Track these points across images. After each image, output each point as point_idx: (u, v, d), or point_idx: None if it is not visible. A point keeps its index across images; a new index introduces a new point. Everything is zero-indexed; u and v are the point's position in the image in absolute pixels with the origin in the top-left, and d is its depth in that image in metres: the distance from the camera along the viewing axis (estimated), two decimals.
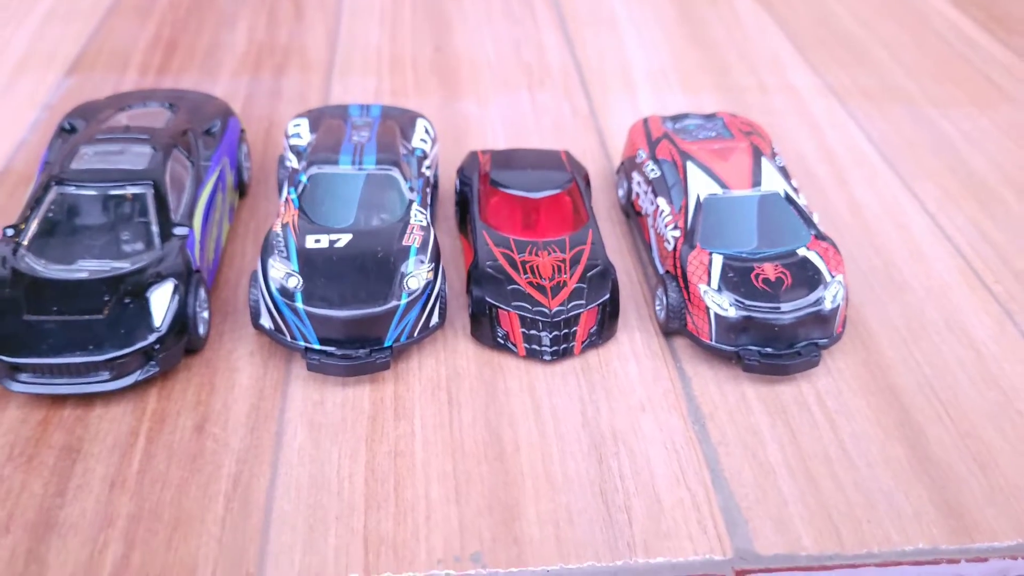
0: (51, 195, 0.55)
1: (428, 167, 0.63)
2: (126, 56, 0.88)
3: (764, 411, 0.53)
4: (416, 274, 0.54)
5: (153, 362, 0.52)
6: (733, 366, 0.56)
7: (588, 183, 0.66)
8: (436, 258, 0.55)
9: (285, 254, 0.54)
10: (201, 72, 0.86)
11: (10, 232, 0.55)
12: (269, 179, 0.72)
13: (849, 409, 0.54)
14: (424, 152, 0.63)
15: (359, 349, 0.53)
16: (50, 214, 0.55)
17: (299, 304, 0.52)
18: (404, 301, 0.53)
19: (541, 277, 0.56)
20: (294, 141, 0.64)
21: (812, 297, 0.54)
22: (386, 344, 0.53)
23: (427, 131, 0.66)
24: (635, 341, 0.58)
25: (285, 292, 0.52)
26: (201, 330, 0.55)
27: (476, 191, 0.62)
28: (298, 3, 1.00)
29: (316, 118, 0.66)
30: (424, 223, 0.57)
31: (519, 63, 0.90)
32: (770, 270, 0.55)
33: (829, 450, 0.51)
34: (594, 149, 0.77)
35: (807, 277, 0.55)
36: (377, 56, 0.91)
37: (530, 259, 0.57)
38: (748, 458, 0.51)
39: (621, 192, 0.68)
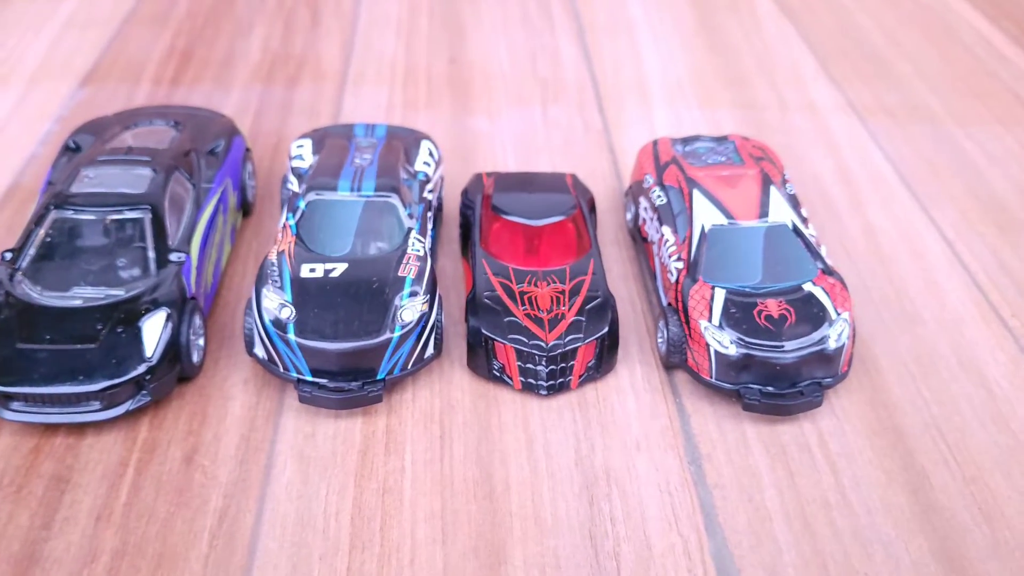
0: (49, 219, 0.55)
1: (431, 191, 0.62)
2: (140, 67, 0.88)
3: (763, 452, 0.52)
4: (411, 306, 0.53)
5: (145, 391, 0.51)
6: (734, 403, 0.54)
7: (593, 208, 0.65)
8: (432, 289, 0.55)
9: (279, 284, 0.53)
10: (214, 83, 0.86)
11: (8, 256, 0.55)
12: (275, 196, 0.71)
13: (851, 451, 0.52)
14: (427, 176, 0.63)
15: (352, 381, 0.52)
16: (48, 239, 0.55)
17: (291, 336, 0.52)
18: (398, 334, 0.52)
19: (539, 309, 0.55)
20: (296, 163, 0.63)
21: (816, 335, 0.53)
22: (379, 376, 0.52)
23: (431, 153, 0.65)
24: (635, 374, 0.57)
25: (278, 324, 0.52)
26: (195, 358, 0.54)
27: (478, 216, 0.61)
28: (315, 10, 1.00)
29: (320, 139, 0.66)
30: (421, 252, 0.56)
31: (534, 75, 0.89)
32: (773, 306, 0.54)
33: (828, 495, 0.50)
34: (605, 168, 0.76)
35: (812, 314, 0.54)
36: (391, 67, 0.90)
37: (529, 290, 0.56)
38: (744, 502, 0.49)
39: (628, 216, 0.67)
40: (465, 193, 0.64)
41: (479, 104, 0.84)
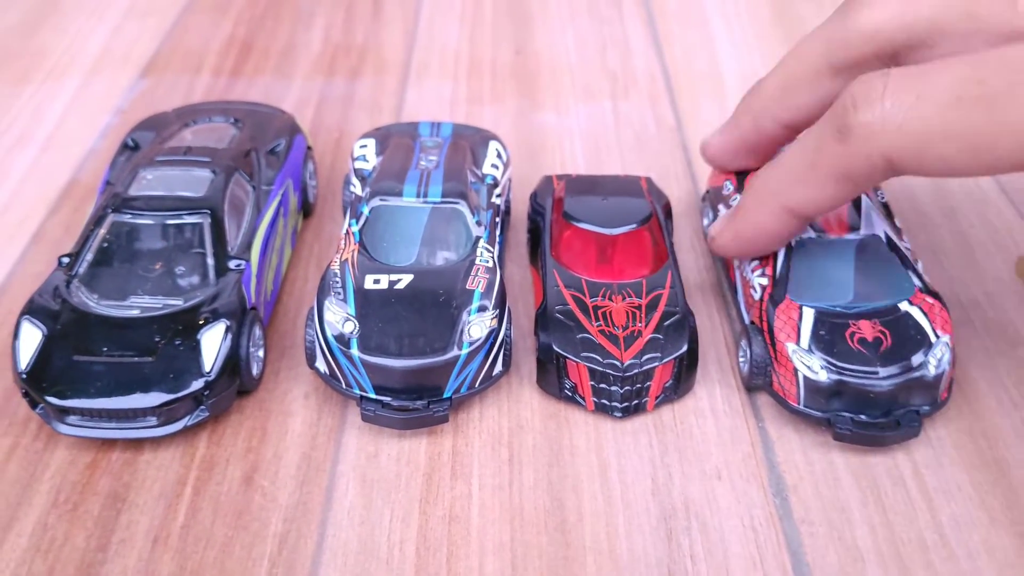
0: (106, 224, 0.54)
1: (499, 195, 0.59)
2: (200, 57, 0.86)
3: (854, 485, 0.49)
4: (479, 321, 0.50)
5: (203, 407, 0.49)
6: (823, 430, 0.51)
7: (669, 214, 0.61)
8: (501, 303, 0.52)
9: (342, 296, 0.51)
10: (275, 75, 0.84)
11: (65, 261, 0.53)
12: (336, 196, 0.69)
13: (949, 486, 0.48)
14: (495, 179, 0.60)
15: (417, 399, 0.50)
16: (105, 244, 0.53)
17: (355, 352, 0.49)
18: (465, 351, 0.49)
19: (614, 325, 0.52)
20: (359, 164, 0.61)
21: (914, 360, 0.49)
22: (445, 395, 0.50)
23: (499, 155, 0.62)
24: (714, 395, 0.54)
25: (341, 338, 0.50)
26: (255, 370, 0.52)
27: (548, 222, 0.58)
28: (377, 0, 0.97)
29: (383, 138, 0.63)
30: (490, 263, 0.53)
31: (603, 68, 0.85)
32: (867, 328, 0.50)
33: (925, 535, 0.46)
34: (678, 168, 0.72)
35: (909, 337, 0.50)
36: (455, 58, 0.87)
37: (603, 304, 0.53)
38: (834, 540, 0.46)
39: (706, 222, 0.64)
40: (534, 197, 0.61)
41: (546, 98, 0.81)
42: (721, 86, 0.82)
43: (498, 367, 0.52)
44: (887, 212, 0.58)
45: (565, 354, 0.51)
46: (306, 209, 0.66)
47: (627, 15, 0.94)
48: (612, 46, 0.89)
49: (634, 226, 0.57)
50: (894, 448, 0.50)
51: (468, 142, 0.63)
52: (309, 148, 0.67)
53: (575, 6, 0.96)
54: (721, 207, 0.60)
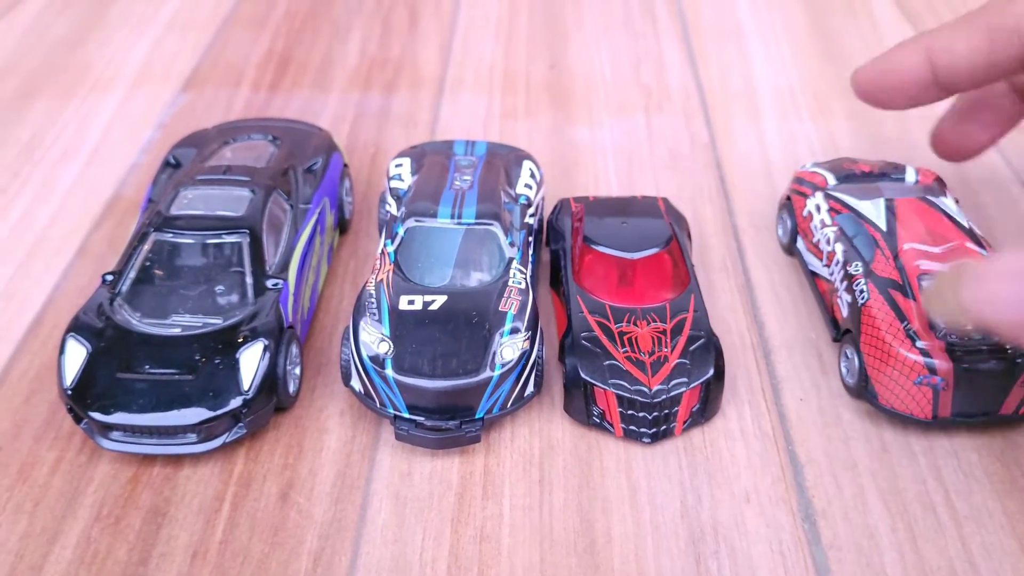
0: (149, 242, 0.55)
1: (532, 215, 0.60)
2: (239, 71, 0.88)
3: (884, 510, 0.49)
4: (511, 343, 0.51)
5: (241, 424, 0.51)
6: (851, 453, 0.51)
7: (689, 234, 0.61)
8: (534, 324, 0.53)
9: (377, 316, 0.52)
10: (312, 89, 0.85)
11: (109, 279, 0.55)
12: (372, 212, 0.70)
13: (980, 514, 0.48)
14: (528, 199, 0.60)
15: (449, 420, 0.50)
16: (147, 263, 0.55)
17: (389, 372, 0.50)
18: (498, 373, 0.50)
19: (640, 351, 0.52)
20: (395, 184, 0.62)
21: None
22: (477, 416, 0.51)
23: (533, 175, 0.63)
24: (744, 417, 0.54)
25: (376, 359, 0.50)
26: (292, 388, 0.54)
27: (569, 247, 0.59)
28: (413, 12, 0.98)
29: (419, 157, 0.64)
30: (523, 284, 0.54)
31: (637, 83, 0.86)
32: None
33: (956, 564, 0.46)
34: (712, 187, 0.72)
35: None
36: (489, 72, 0.88)
37: (628, 330, 0.53)
38: (862, 566, 0.46)
39: (780, 231, 0.66)
40: (552, 223, 0.62)
41: (580, 113, 0.82)
42: (756, 103, 0.83)
43: (530, 388, 0.52)
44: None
45: (593, 381, 0.51)
46: (342, 226, 0.67)
47: (662, 30, 0.94)
48: (646, 61, 0.89)
49: (656, 249, 0.57)
50: (925, 474, 0.50)
51: (502, 161, 0.63)
52: (346, 165, 0.68)
53: (610, 21, 0.96)
54: (788, 219, 0.63)
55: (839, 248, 0.57)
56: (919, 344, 0.50)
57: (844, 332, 0.55)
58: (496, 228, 0.56)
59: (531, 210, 0.60)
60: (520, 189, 0.61)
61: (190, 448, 0.50)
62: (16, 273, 0.64)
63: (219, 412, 0.49)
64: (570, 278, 0.57)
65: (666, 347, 0.52)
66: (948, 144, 0.62)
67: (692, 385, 0.51)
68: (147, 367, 0.50)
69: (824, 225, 0.59)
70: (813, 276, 0.61)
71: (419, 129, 0.79)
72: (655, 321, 0.54)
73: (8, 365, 0.57)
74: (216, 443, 0.50)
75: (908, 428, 0.53)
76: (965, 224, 0.57)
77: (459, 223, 0.56)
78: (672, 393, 0.51)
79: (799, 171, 0.65)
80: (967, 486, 0.50)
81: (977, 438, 0.52)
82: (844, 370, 0.55)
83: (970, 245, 0.54)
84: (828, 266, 0.58)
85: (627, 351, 0.52)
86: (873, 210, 0.58)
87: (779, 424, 0.54)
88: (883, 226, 0.56)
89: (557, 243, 0.60)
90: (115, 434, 0.50)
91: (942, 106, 0.77)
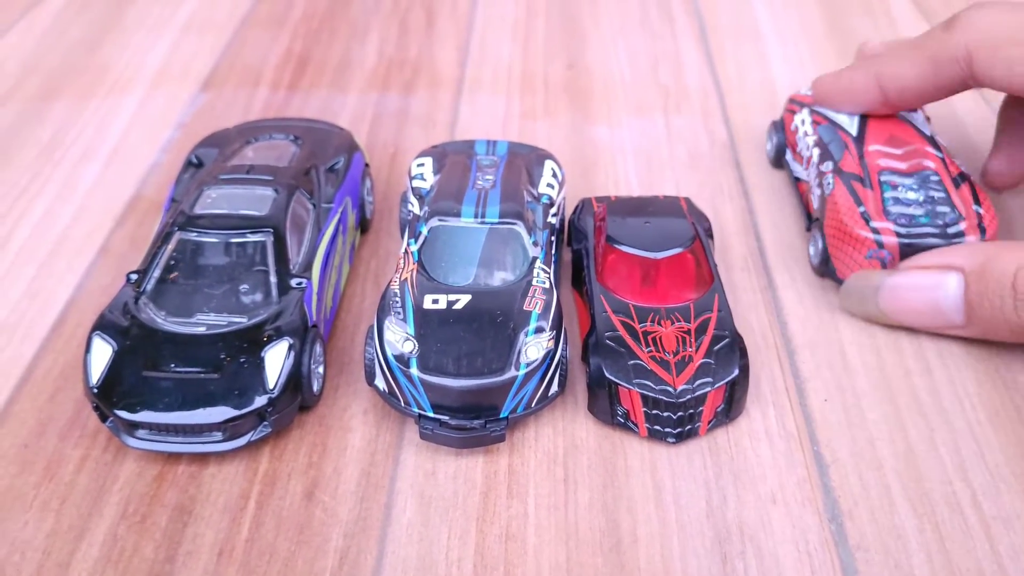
0: (173, 241, 0.55)
1: (554, 214, 0.60)
2: (258, 71, 0.88)
3: (910, 511, 0.49)
4: (536, 343, 0.51)
5: (266, 423, 0.51)
6: (877, 452, 0.51)
7: (711, 234, 0.61)
8: (558, 324, 0.53)
9: (402, 315, 0.52)
10: (331, 89, 0.85)
11: (134, 278, 0.55)
12: (393, 211, 0.70)
13: (1008, 515, 0.48)
14: (551, 199, 0.60)
15: (474, 419, 0.50)
16: (171, 262, 0.55)
17: (414, 371, 0.50)
18: (523, 372, 0.50)
19: (664, 351, 0.52)
20: (417, 183, 0.62)
21: None
22: (502, 415, 0.51)
23: (555, 174, 0.63)
24: (768, 417, 0.54)
25: (400, 358, 0.51)
26: (315, 387, 0.54)
27: (591, 247, 0.59)
28: (430, 12, 0.98)
29: (440, 156, 0.64)
30: (547, 284, 0.54)
31: (655, 83, 0.86)
32: None
33: (983, 565, 0.46)
34: (731, 186, 0.72)
35: None
36: (508, 72, 0.88)
37: (652, 329, 0.53)
38: (890, 567, 0.46)
39: (769, 146, 0.74)
40: (573, 223, 0.62)
41: (598, 113, 0.82)
42: (774, 102, 0.82)
43: (554, 387, 0.52)
44: None
45: (617, 381, 0.51)
46: (363, 225, 0.67)
47: (679, 30, 0.94)
48: (664, 61, 0.89)
49: (679, 249, 0.57)
50: (952, 474, 0.50)
51: (524, 161, 0.63)
52: (367, 165, 0.68)
53: (627, 20, 0.96)
54: (775, 136, 0.73)
55: (816, 152, 0.65)
56: (872, 224, 0.58)
57: (814, 221, 0.63)
58: (519, 227, 0.56)
59: (553, 209, 0.60)
60: (542, 188, 0.61)
61: (215, 447, 0.50)
62: (39, 272, 0.64)
63: (244, 411, 0.49)
64: (593, 278, 0.57)
65: (690, 347, 0.52)
66: (1003, 177, 0.67)
67: (717, 385, 0.51)
68: (172, 365, 0.50)
69: (806, 135, 0.67)
70: (796, 181, 0.69)
71: (438, 129, 0.79)
72: (679, 321, 0.54)
73: (32, 363, 0.58)
74: (241, 441, 0.50)
75: (934, 429, 0.53)
76: (928, 133, 0.64)
77: (482, 222, 0.56)
78: (697, 393, 0.51)
79: (794, 94, 0.73)
80: (995, 487, 0.50)
81: (1004, 439, 0.52)
82: (811, 252, 0.63)
83: (928, 149, 0.62)
84: (807, 169, 0.66)
85: (651, 351, 0.52)
86: (847, 120, 0.65)
87: (804, 424, 0.53)
88: (854, 132, 0.64)
89: (579, 243, 0.60)
90: (141, 432, 0.50)
91: (957, 111, 0.77)
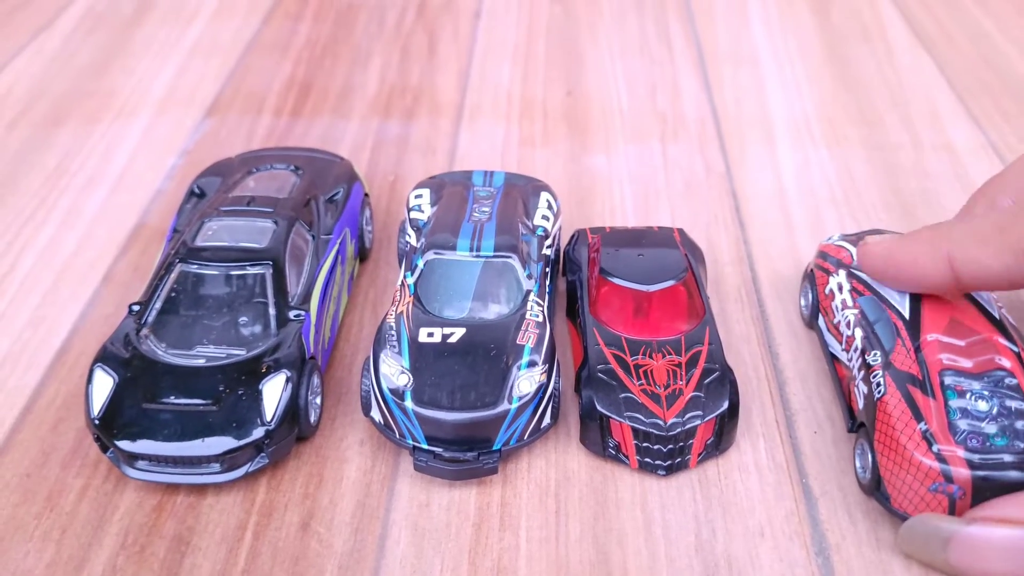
0: (174, 273, 0.56)
1: (549, 246, 0.61)
2: (262, 97, 0.89)
3: (897, 547, 0.49)
4: (528, 376, 0.52)
5: (263, 454, 0.52)
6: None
7: (704, 265, 0.62)
8: (551, 357, 0.53)
9: (397, 349, 0.53)
10: (333, 115, 0.86)
11: (135, 309, 0.56)
12: (391, 240, 0.71)
13: None
14: (546, 231, 0.61)
15: (467, 451, 0.51)
16: (172, 293, 0.56)
17: (408, 404, 0.51)
18: (515, 405, 0.51)
19: (655, 384, 0.53)
20: (415, 215, 0.63)
21: None
22: (495, 447, 0.52)
23: (550, 206, 0.64)
24: (758, 450, 0.55)
25: (396, 392, 0.51)
26: (312, 418, 0.55)
27: (585, 278, 0.60)
28: (432, 37, 0.99)
29: (438, 187, 0.65)
30: (540, 318, 0.55)
31: (653, 109, 0.87)
32: None
33: None
34: (727, 216, 0.73)
35: None
36: (507, 99, 0.89)
37: (644, 362, 0.54)
38: None
39: (803, 301, 0.63)
40: (568, 253, 0.63)
41: (596, 140, 0.83)
42: (770, 130, 0.83)
43: (546, 420, 0.53)
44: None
45: (608, 414, 0.52)
46: (362, 255, 0.68)
47: (678, 56, 0.95)
48: (662, 87, 0.90)
49: (671, 282, 0.58)
50: None
51: (520, 192, 0.64)
52: (366, 195, 0.69)
53: (625, 46, 0.97)
54: (810, 292, 0.61)
55: (858, 334, 0.54)
56: (935, 448, 0.46)
57: (859, 425, 0.52)
58: (514, 261, 0.57)
59: (548, 241, 0.61)
60: (538, 220, 0.62)
61: (214, 478, 0.51)
62: (43, 300, 0.66)
63: (243, 442, 0.50)
64: (587, 310, 0.57)
65: (681, 380, 0.53)
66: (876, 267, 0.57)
67: (707, 418, 0.52)
68: (172, 397, 0.51)
69: (845, 306, 0.56)
70: (833, 359, 0.58)
71: (438, 157, 0.80)
72: (670, 354, 0.54)
73: (36, 392, 0.59)
74: (239, 473, 0.51)
75: None
76: (996, 315, 0.53)
77: (477, 256, 0.57)
78: (687, 426, 0.51)
79: (823, 244, 0.62)
80: None
81: None
82: (858, 465, 0.51)
83: (1000, 339, 0.50)
84: (847, 351, 0.55)
85: (643, 384, 0.53)
86: (896, 293, 0.54)
87: (793, 457, 0.54)
88: (906, 312, 0.52)
89: (574, 274, 0.61)
90: (141, 463, 0.51)
91: (955, 142, 0.78)
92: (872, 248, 0.54)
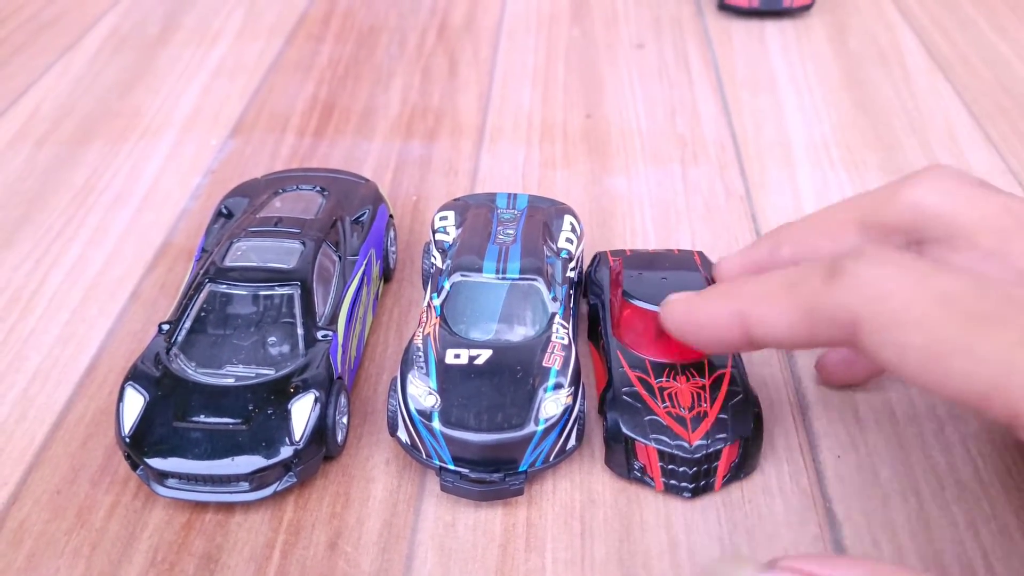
0: (203, 293, 0.57)
1: (573, 268, 0.62)
2: (285, 117, 0.90)
3: (922, 570, 0.49)
4: (554, 399, 0.52)
5: (292, 473, 0.52)
6: (890, 511, 0.52)
7: None
8: (576, 379, 0.54)
9: (425, 370, 0.53)
10: (355, 136, 0.87)
11: (165, 328, 0.57)
12: (415, 260, 0.72)
13: (1019, 575, 0.49)
14: (570, 253, 0.62)
15: (494, 472, 0.52)
16: (202, 313, 0.57)
17: (436, 425, 0.52)
18: (541, 428, 0.52)
19: (680, 407, 0.53)
20: (440, 236, 0.63)
21: None
22: (521, 469, 0.52)
23: (574, 228, 0.64)
24: (782, 473, 0.55)
25: (423, 412, 0.52)
26: (340, 437, 0.55)
27: (607, 301, 0.60)
28: (453, 59, 1.00)
29: (462, 209, 0.66)
30: (566, 340, 0.55)
31: (673, 132, 0.87)
32: None
33: None
34: (747, 238, 0.74)
35: None
36: (528, 121, 0.90)
37: (668, 385, 0.54)
38: None
39: None
40: (590, 275, 0.63)
41: (616, 163, 0.83)
42: (789, 154, 0.84)
43: (572, 442, 0.53)
44: None
45: (634, 436, 0.52)
46: (386, 275, 0.69)
47: (696, 80, 0.96)
48: (681, 110, 0.91)
49: None
50: (963, 534, 0.51)
51: (543, 215, 0.65)
52: (391, 216, 0.70)
53: (644, 70, 0.98)
54: None
55: None
56: None
57: None
58: (539, 283, 0.57)
59: (572, 264, 0.62)
60: (561, 243, 0.63)
61: (243, 496, 0.51)
62: (72, 318, 0.66)
63: (271, 462, 0.51)
64: (610, 332, 0.58)
65: (705, 402, 0.53)
66: (832, 376, 0.60)
67: (732, 441, 0.52)
68: (202, 416, 0.52)
69: None
70: None
71: (460, 178, 0.81)
72: (694, 376, 0.55)
73: (65, 408, 0.59)
74: (267, 491, 0.52)
75: (946, 489, 0.53)
76: None
77: (503, 278, 0.58)
78: (712, 448, 0.52)
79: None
80: (1005, 548, 0.50)
81: (1016, 499, 0.53)
82: None
83: None
84: None
85: (667, 406, 0.53)
86: None
87: (816, 481, 0.54)
88: None
89: (596, 296, 0.62)
90: (170, 481, 0.52)
91: (972, 166, 0.78)
92: (674, 305, 0.52)
